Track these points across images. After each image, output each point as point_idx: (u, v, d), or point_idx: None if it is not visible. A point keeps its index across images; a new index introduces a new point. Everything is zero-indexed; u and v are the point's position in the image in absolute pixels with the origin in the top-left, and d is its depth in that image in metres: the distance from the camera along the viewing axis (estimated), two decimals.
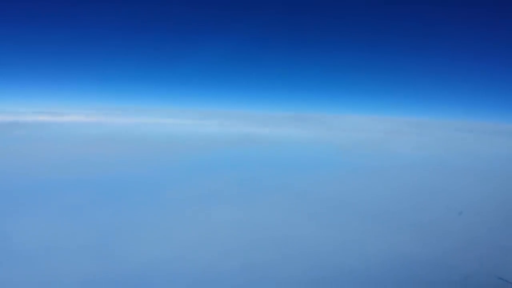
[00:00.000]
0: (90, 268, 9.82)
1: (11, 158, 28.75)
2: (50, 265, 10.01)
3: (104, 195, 17.88)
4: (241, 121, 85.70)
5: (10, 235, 12.10)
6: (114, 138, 49.06)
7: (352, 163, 31.63)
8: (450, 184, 23.86)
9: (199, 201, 16.89)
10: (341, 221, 14.57)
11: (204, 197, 17.78)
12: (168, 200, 17.16)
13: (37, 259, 10.27)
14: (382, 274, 10.18)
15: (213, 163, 30.12)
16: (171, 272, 9.79)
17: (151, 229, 13.02)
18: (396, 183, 23.51)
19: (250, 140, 49.52)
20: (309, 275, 9.83)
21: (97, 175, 22.61)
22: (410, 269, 10.67)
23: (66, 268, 9.77)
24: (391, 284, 9.74)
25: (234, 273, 9.80)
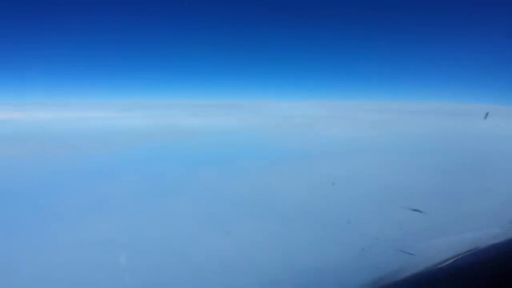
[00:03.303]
0: None
1: None
2: None
3: None
4: (167, 112, 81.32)
5: None
6: (19, 137, 43.41)
7: (276, 151, 31.03)
8: (366, 166, 24.31)
9: (80, 213, 14.56)
10: (236, 224, 13.48)
11: (90, 208, 15.44)
12: (44, 212, 14.66)
13: None
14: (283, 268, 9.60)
15: (123, 162, 27.38)
16: None
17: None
18: (313, 171, 23.29)
19: (173, 132, 46.69)
20: None
21: None
22: (307, 251, 10.72)
23: None
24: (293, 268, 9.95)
25: None
